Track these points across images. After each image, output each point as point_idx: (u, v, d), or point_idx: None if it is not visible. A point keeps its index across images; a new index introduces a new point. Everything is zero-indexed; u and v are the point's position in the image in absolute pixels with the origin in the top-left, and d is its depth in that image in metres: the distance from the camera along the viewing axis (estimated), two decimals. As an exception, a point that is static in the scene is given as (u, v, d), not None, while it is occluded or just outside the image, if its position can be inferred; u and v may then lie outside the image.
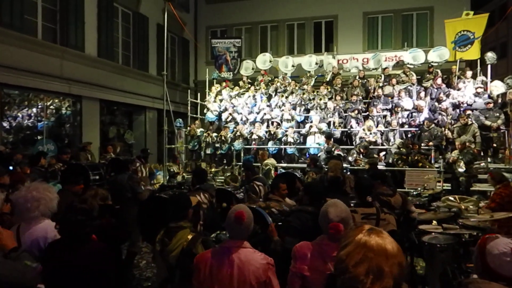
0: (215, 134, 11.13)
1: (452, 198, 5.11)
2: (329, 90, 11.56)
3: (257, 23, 16.13)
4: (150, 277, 2.49)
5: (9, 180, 4.77)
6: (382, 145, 9.81)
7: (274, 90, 12.23)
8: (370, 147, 9.35)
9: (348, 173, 8.02)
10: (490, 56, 11.07)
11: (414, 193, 6.63)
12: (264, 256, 2.25)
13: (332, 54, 13.60)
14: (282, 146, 10.52)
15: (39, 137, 10.25)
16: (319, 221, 2.41)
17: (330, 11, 15.12)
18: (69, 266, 2.15)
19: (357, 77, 11.99)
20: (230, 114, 11.80)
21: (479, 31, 11.27)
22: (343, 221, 2.25)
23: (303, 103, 11.46)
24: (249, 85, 12.72)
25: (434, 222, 4.55)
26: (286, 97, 11.60)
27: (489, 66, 11.23)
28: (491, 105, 9.46)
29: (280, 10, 15.55)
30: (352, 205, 3.88)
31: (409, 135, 9.91)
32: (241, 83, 13.04)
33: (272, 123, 10.87)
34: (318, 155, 9.47)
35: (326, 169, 7.19)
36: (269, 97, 12.06)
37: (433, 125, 9.45)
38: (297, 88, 11.92)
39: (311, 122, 10.54)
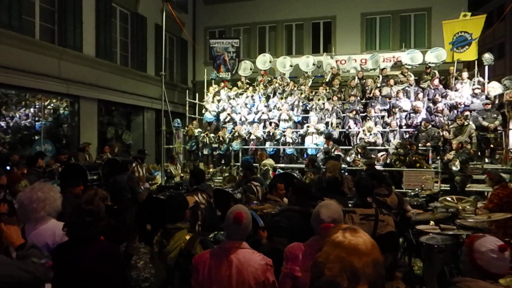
0: (213, 134, 11.12)
1: (449, 199, 5.12)
2: (327, 90, 11.58)
3: (255, 23, 16.14)
4: (148, 278, 2.49)
5: (6, 181, 4.76)
6: (383, 145, 9.83)
7: (272, 91, 12.24)
8: (370, 147, 9.37)
9: (346, 173, 8.04)
10: (488, 57, 11.11)
11: (412, 193, 6.63)
12: (263, 257, 2.25)
13: (330, 54, 13.63)
14: (280, 147, 10.53)
15: (36, 137, 10.23)
16: (311, 222, 2.42)
17: (328, 12, 15.15)
18: (78, 268, 2.14)
19: (356, 78, 12.01)
20: (229, 114, 11.80)
21: (477, 32, 11.33)
22: (335, 222, 2.26)
23: (301, 103, 11.48)
24: (248, 86, 12.72)
25: (432, 222, 4.55)
26: (285, 98, 11.61)
27: (486, 67, 11.26)
28: (489, 106, 9.50)
29: (278, 11, 15.57)
30: (350, 205, 3.89)
31: (406, 136, 9.94)
32: (239, 83, 13.04)
33: (270, 123, 10.88)
34: (317, 155, 9.48)
35: (324, 170, 7.21)
36: (268, 98, 12.06)
37: (430, 126, 9.49)
38: (295, 88, 11.93)
39: (309, 122, 10.55)
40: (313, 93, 11.71)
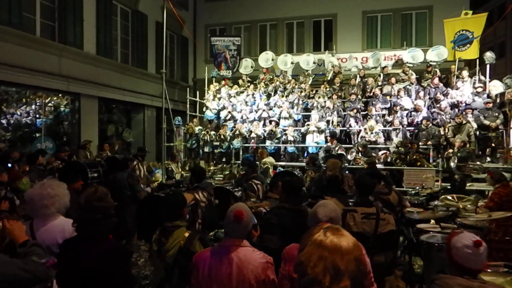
0: (213, 132, 11.13)
1: (450, 197, 5.11)
2: (328, 89, 11.57)
3: (256, 21, 16.10)
4: (149, 275, 2.49)
5: (7, 178, 4.77)
6: (385, 144, 9.81)
7: (273, 89, 12.23)
8: (371, 146, 9.36)
9: (347, 172, 8.03)
10: (489, 55, 11.08)
11: (412, 192, 6.63)
12: (263, 255, 2.25)
13: (331, 53, 13.61)
14: (281, 145, 10.53)
15: (37, 135, 10.23)
16: (309, 222, 2.42)
17: (330, 10, 15.11)
18: (86, 266, 2.14)
19: (358, 76, 12.00)
20: (229, 112, 11.80)
21: (478, 30, 11.30)
22: (332, 221, 2.25)
23: (301, 102, 11.46)
24: (249, 84, 12.71)
25: (432, 221, 4.56)
26: (286, 96, 11.60)
27: (487, 66, 11.24)
28: (490, 104, 9.48)
29: (279, 9, 15.53)
30: (351, 204, 3.89)
31: (407, 134, 9.93)
32: (240, 81, 13.03)
33: (270, 121, 10.87)
34: (318, 153, 9.47)
35: (325, 168, 7.20)
36: (268, 96, 12.05)
37: (430, 124, 9.48)
38: (296, 86, 11.92)
39: (310, 120, 10.54)
40: (314, 91, 11.70)
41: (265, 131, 10.82)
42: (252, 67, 13.67)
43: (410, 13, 14.60)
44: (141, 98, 13.39)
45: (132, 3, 13.18)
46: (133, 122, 13.92)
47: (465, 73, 10.78)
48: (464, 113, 9.67)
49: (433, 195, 6.41)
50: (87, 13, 10.94)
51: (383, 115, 10.47)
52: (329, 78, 12.35)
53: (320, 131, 10.12)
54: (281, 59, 13.30)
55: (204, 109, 12.75)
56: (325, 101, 10.91)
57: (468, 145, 8.72)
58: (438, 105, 10.11)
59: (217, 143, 10.91)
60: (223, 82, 13.07)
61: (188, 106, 13.10)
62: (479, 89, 10.12)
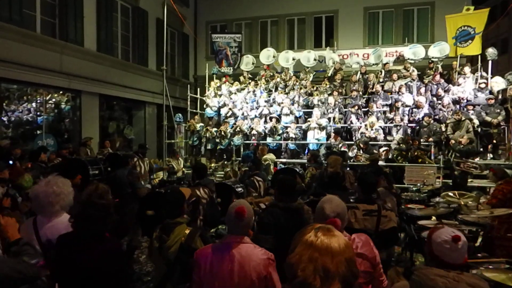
0: (214, 129, 11.12)
1: (451, 194, 5.10)
2: (329, 85, 11.54)
3: (257, 18, 16.04)
4: (151, 272, 2.49)
5: (9, 175, 4.78)
6: (387, 140, 9.79)
7: (274, 85, 12.20)
8: (371, 143, 9.34)
9: (348, 168, 8.02)
10: (491, 51, 11.02)
11: (414, 188, 6.63)
12: (265, 251, 2.25)
13: (332, 49, 13.56)
14: (282, 142, 10.52)
15: (38, 132, 10.24)
16: (315, 219, 2.41)
17: (331, 6, 15.04)
18: (84, 263, 2.12)
19: (359, 73, 11.96)
20: (230, 109, 11.78)
21: (480, 26, 11.23)
22: (340, 216, 2.25)
23: (301, 98, 11.44)
24: (250, 81, 12.69)
25: (434, 217, 4.55)
26: (287, 93, 11.58)
27: (490, 62, 11.18)
28: (492, 101, 9.44)
29: (280, 5, 15.46)
30: (352, 200, 3.89)
31: (408, 131, 9.91)
32: (241, 78, 13.01)
33: (271, 118, 10.85)
34: (322, 150, 9.47)
35: (326, 165, 7.19)
36: (269, 93, 12.03)
37: (432, 121, 9.45)
38: (296, 83, 11.89)
39: (312, 117, 10.52)
40: (315, 88, 11.67)
41: (266, 128, 10.80)
42: (253, 64, 13.64)
43: (412, 9, 14.52)
44: (142, 95, 13.38)
45: (132, 0, 13.14)
46: (134, 119, 13.92)
47: (467, 69, 10.75)
48: (465, 109, 9.63)
49: (434, 191, 6.41)
50: (87, 10, 10.91)
51: (384, 112, 10.44)
52: (329, 75, 12.31)
53: (321, 128, 10.10)
54: (283, 55, 13.26)
55: (204, 106, 12.74)
56: (326, 98, 10.88)
57: (474, 143, 8.71)
58: (440, 102, 10.07)
59: (218, 140, 10.91)
60: (224, 79, 13.05)
61: (189, 103, 13.09)
62: (482, 85, 10.08)
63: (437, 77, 10.66)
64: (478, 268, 2.86)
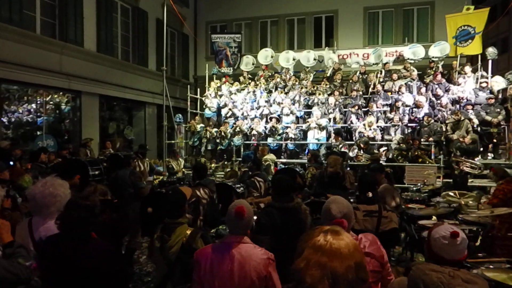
0: (215, 129, 11.12)
1: (452, 194, 5.10)
2: (328, 85, 11.53)
3: (257, 18, 16.04)
4: (151, 272, 2.49)
5: (9, 176, 4.77)
6: (387, 140, 9.79)
7: (274, 86, 12.20)
8: (370, 142, 9.33)
9: (348, 168, 8.01)
10: (491, 51, 11.02)
11: (414, 188, 6.62)
12: (265, 251, 2.25)
13: (332, 49, 13.56)
14: (282, 142, 10.51)
15: (38, 133, 10.24)
16: (321, 219, 2.40)
17: (331, 6, 15.03)
18: (70, 265, 2.11)
19: (358, 73, 11.95)
20: (230, 109, 11.78)
21: (480, 26, 11.23)
22: (346, 217, 2.25)
23: (302, 98, 11.44)
24: (250, 81, 12.69)
25: (434, 217, 4.54)
26: (286, 93, 11.58)
27: (490, 61, 11.18)
28: (492, 100, 9.44)
29: (280, 5, 15.46)
30: (352, 201, 3.88)
31: (409, 131, 9.90)
32: (241, 78, 13.01)
33: (271, 118, 10.85)
34: (322, 150, 9.46)
35: (326, 165, 7.19)
36: (269, 93, 12.03)
37: (432, 121, 9.44)
38: (296, 83, 11.89)
39: (312, 117, 10.52)
40: (315, 88, 11.67)
41: (266, 128, 10.80)
42: (253, 64, 13.64)
43: (412, 8, 14.52)
44: (142, 96, 13.38)
45: (132, 0, 13.14)
46: (134, 120, 13.92)
47: (467, 68, 10.74)
48: (464, 109, 9.63)
49: (435, 191, 6.40)
50: (87, 10, 10.91)
51: (385, 112, 10.44)
52: (328, 75, 12.31)
53: (321, 128, 10.10)
54: (283, 56, 13.26)
55: (204, 106, 12.75)
56: (326, 98, 10.88)
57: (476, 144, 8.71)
58: (438, 101, 10.07)
59: (218, 140, 10.91)
60: (224, 79, 13.05)
61: (189, 103, 13.10)
62: (484, 84, 10.07)
63: (439, 76, 10.66)
64: (479, 267, 2.85)
